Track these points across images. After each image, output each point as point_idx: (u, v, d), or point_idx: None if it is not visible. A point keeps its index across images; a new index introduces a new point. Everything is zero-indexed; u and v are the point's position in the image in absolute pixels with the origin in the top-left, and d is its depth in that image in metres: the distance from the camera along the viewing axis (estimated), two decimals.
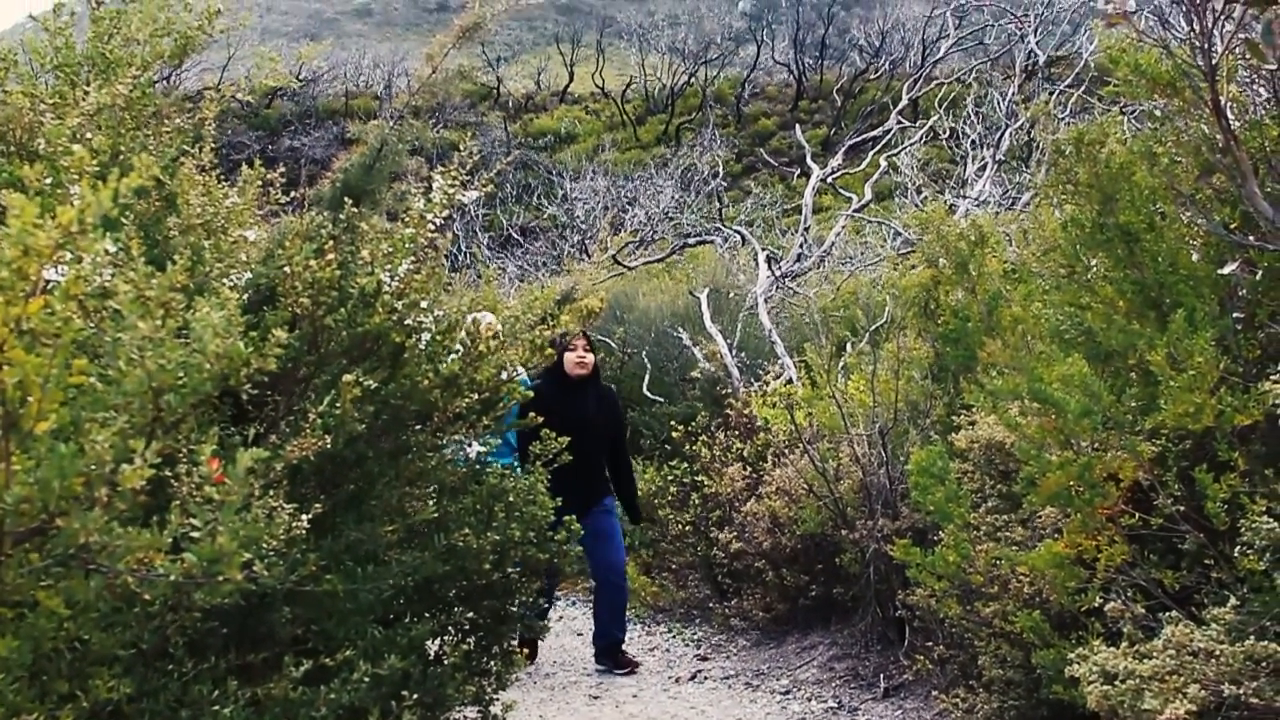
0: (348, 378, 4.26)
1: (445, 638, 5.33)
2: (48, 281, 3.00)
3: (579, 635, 11.62)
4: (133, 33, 4.75)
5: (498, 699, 5.48)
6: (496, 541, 5.15)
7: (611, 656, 10.33)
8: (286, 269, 4.56)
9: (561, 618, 11.19)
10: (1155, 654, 4.91)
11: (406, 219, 4.93)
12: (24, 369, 2.88)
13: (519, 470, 8.39)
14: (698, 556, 12.06)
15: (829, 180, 20.85)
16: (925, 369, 10.04)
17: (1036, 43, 25.23)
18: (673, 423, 14.09)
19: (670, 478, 12.55)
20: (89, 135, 4.18)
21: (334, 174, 5.80)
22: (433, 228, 4.93)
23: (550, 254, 34.18)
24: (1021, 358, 7.27)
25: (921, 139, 22.75)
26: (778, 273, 16.93)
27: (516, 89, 63.69)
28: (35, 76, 4.79)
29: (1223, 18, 5.69)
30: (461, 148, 5.02)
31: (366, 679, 4.13)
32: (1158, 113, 6.71)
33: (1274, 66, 5.61)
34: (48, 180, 3.77)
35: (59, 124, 4.18)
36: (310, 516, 3.65)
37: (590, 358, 10.34)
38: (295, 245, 4.65)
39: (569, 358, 10.20)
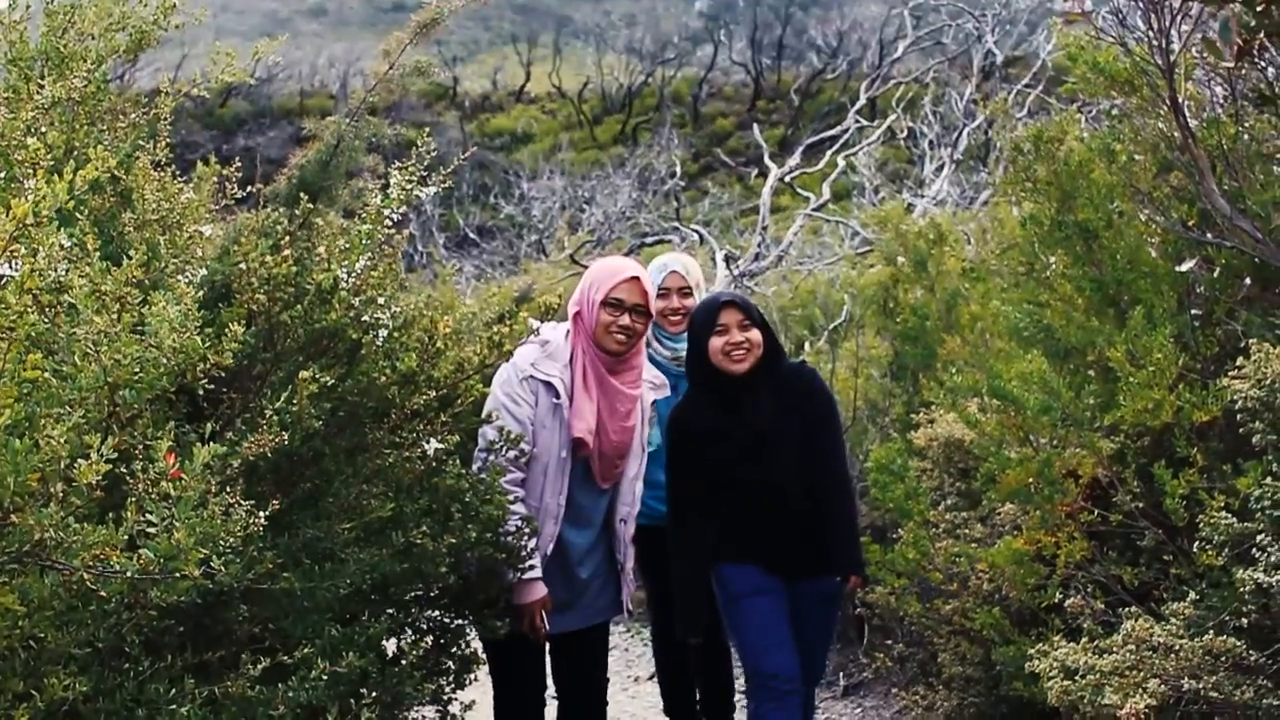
0: (304, 374, 4.24)
1: (403, 637, 5.30)
2: (1, 276, 2.97)
3: None
4: (87, 27, 4.72)
5: (456, 698, 5.46)
6: (452, 544, 5.11)
7: None
8: (242, 265, 4.53)
9: None
10: (1115, 649, 4.92)
11: (364, 215, 4.91)
12: None
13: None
14: None
15: (787, 180, 20.88)
16: (884, 367, 10.08)
17: (994, 43, 25.34)
18: None
19: None
20: (43, 129, 4.14)
21: (290, 170, 5.76)
22: (389, 224, 4.91)
23: (508, 254, 34.27)
24: (980, 355, 7.30)
25: (879, 139, 22.83)
26: (736, 272, 16.93)
27: (473, 89, 63.61)
28: None
29: (1180, 16, 5.71)
30: (419, 143, 5.00)
31: (324, 677, 4.11)
32: (1116, 110, 6.74)
33: (1231, 64, 5.62)
34: (1, 175, 3.74)
35: (12, 118, 4.15)
36: (267, 514, 3.62)
37: (752, 337, 6.00)
38: (251, 242, 4.62)
39: (714, 346, 6.00)
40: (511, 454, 5.75)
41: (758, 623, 6.09)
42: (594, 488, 6.17)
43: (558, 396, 5.91)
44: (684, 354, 6.80)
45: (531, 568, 5.79)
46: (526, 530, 5.72)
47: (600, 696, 6.48)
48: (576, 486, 6.08)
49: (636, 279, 6.03)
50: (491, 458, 5.72)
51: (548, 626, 5.91)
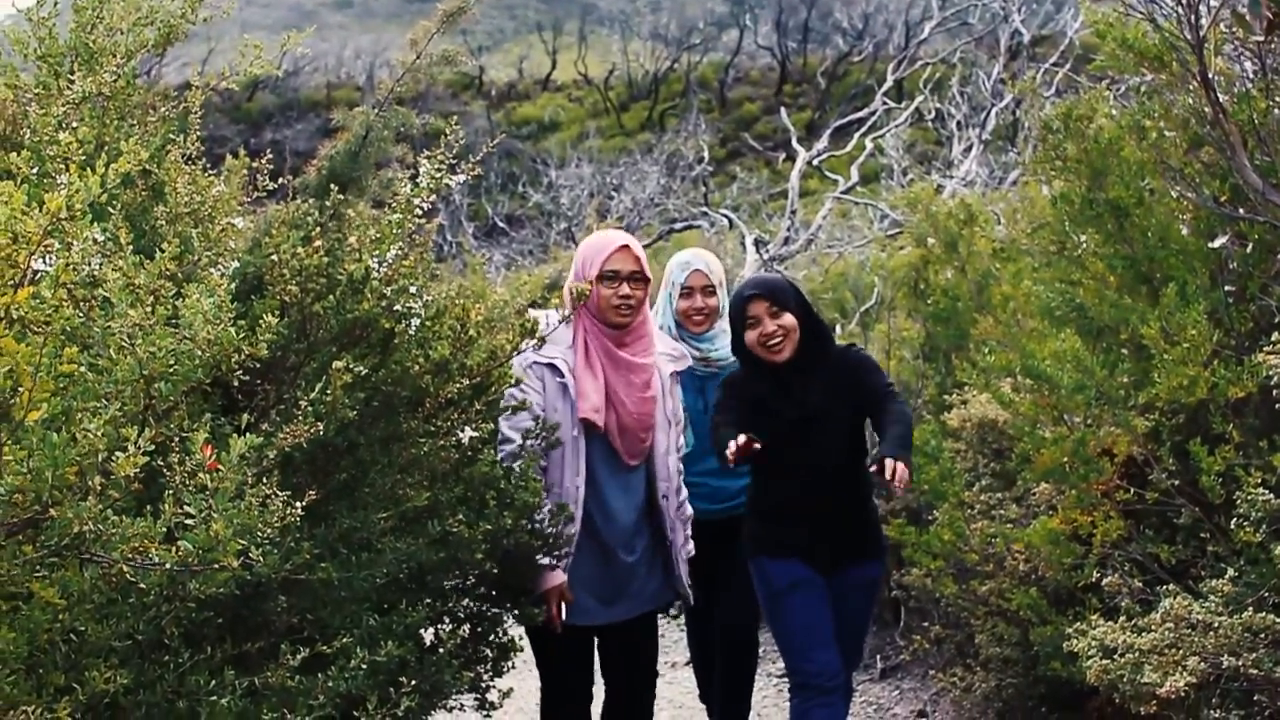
0: (337, 364, 4.25)
1: (441, 626, 5.32)
2: (36, 272, 2.98)
3: None
4: (115, 22, 4.72)
5: (495, 685, 5.47)
6: (488, 531, 5.12)
7: None
8: (274, 257, 4.54)
9: None
10: (1154, 627, 4.91)
11: (394, 204, 4.91)
12: (14, 358, 2.86)
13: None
14: None
15: (815, 163, 20.82)
16: (916, 349, 10.05)
17: (1021, 21, 25.24)
18: None
19: None
20: (74, 125, 4.16)
21: (319, 162, 5.78)
22: (419, 213, 4.91)
23: (537, 242, 34.36)
24: (1013, 335, 7.27)
25: (907, 120, 22.76)
26: (765, 256, 16.90)
27: (499, 78, 63.70)
28: (18, 70, 4.77)
29: None
30: (448, 131, 5.00)
31: (364, 666, 4.12)
32: (1145, 87, 6.71)
33: (1261, 38, 5.60)
34: (34, 170, 3.75)
35: (44, 114, 4.16)
36: (304, 504, 3.63)
37: (785, 323, 5.88)
38: (282, 233, 4.63)
39: (749, 340, 5.93)
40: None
41: (801, 620, 5.96)
42: (621, 466, 6.02)
43: (562, 375, 5.83)
44: (713, 354, 6.83)
45: (549, 555, 5.71)
46: (561, 518, 5.65)
47: (648, 688, 6.34)
48: (601, 467, 5.96)
49: (626, 247, 5.95)
50: (520, 443, 5.65)
51: (564, 616, 5.79)
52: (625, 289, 5.85)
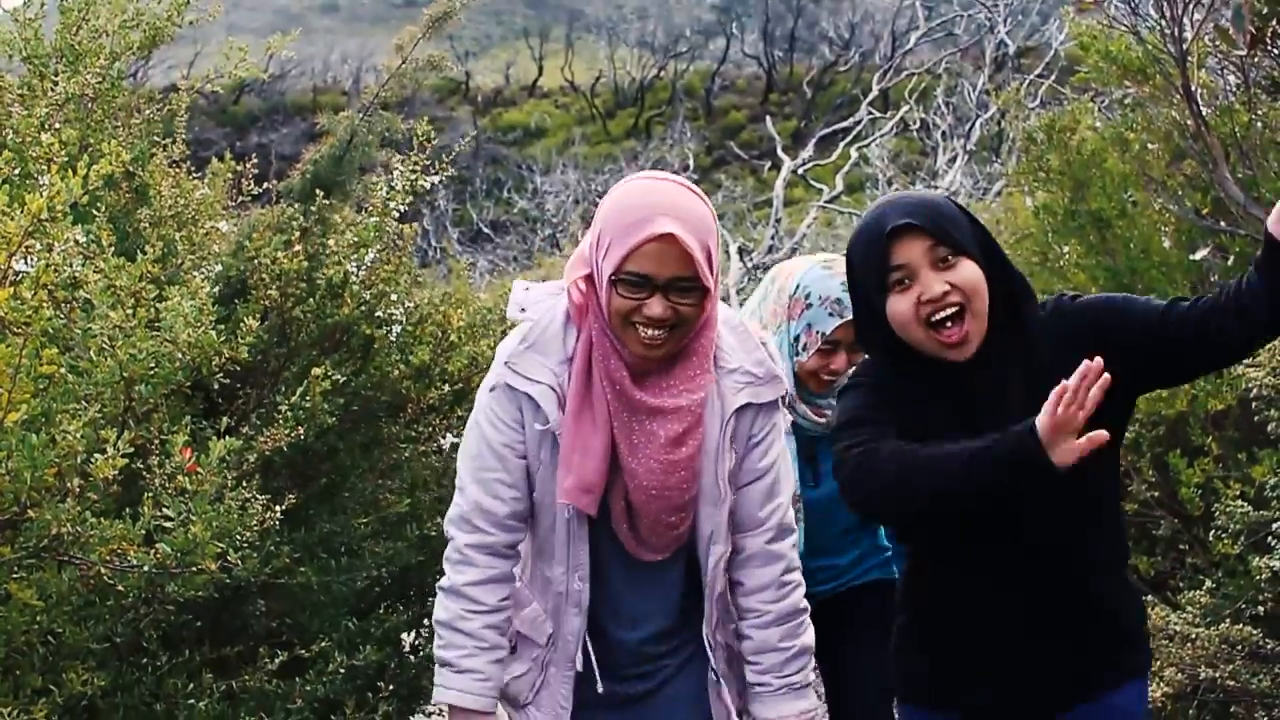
0: (317, 370, 4.25)
1: (420, 630, 5.31)
2: (17, 273, 2.97)
3: None
4: (101, 24, 4.72)
5: None
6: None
7: None
8: (256, 261, 4.55)
9: None
10: None
11: (370, 207, 4.93)
12: None
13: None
14: None
15: (800, 172, 20.84)
16: None
17: (1007, 33, 25.30)
18: None
19: None
20: (57, 126, 4.15)
21: (304, 166, 5.78)
22: (396, 215, 4.92)
23: (521, 248, 34.36)
24: None
25: (892, 130, 22.81)
26: (750, 265, 16.90)
27: (485, 84, 63.68)
28: (3, 71, 4.76)
29: (1192, 4, 5.69)
30: (419, 132, 5.01)
31: (342, 671, 4.12)
32: (1128, 99, 6.73)
33: (1244, 52, 5.61)
34: (16, 172, 3.74)
35: (27, 115, 4.16)
36: (284, 509, 3.63)
37: (964, 279, 2.97)
38: (265, 237, 4.64)
39: (899, 311, 3.06)
40: (492, 537, 3.39)
41: None
42: (636, 562, 3.47)
43: (546, 421, 3.29)
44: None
45: (467, 673, 3.52)
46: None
47: None
48: (612, 559, 3.47)
49: (671, 236, 3.06)
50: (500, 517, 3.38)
51: None
52: (658, 308, 3.12)
